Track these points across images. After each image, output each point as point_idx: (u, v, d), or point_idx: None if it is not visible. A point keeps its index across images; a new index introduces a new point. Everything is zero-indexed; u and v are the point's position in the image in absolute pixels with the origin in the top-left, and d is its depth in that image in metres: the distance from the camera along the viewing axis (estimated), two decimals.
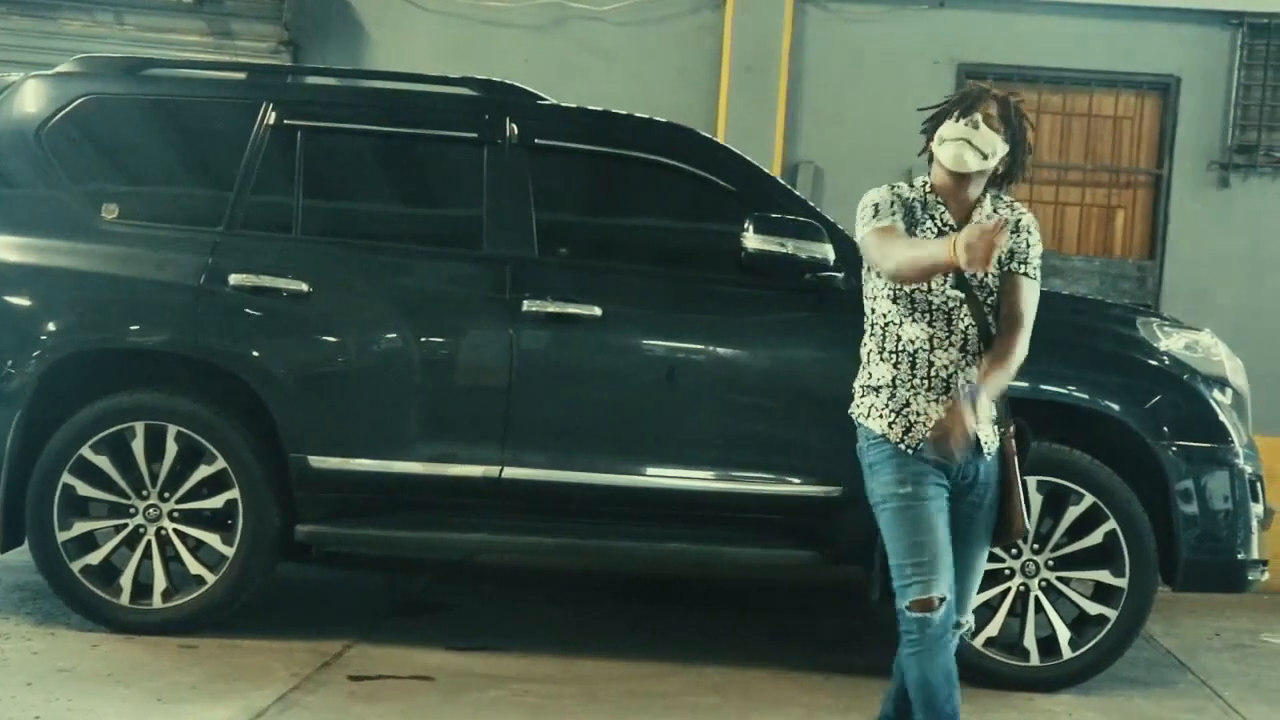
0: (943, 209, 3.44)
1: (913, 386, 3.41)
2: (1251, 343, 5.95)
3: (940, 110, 3.45)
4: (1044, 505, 4.73)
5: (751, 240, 4.72)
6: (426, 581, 6.23)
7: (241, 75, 5.49)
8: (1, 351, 4.80)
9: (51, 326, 4.86)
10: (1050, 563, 4.80)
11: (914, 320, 3.41)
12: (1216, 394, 4.93)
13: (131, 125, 5.14)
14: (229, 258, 4.86)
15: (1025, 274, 3.44)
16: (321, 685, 4.46)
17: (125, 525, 4.86)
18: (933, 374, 3.40)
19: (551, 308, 4.79)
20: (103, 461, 4.80)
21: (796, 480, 4.79)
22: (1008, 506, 3.47)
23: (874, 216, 3.42)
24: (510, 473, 4.78)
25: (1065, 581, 4.83)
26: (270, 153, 4.96)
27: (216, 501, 4.84)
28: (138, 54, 5.76)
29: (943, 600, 3.31)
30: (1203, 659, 5.62)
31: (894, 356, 3.43)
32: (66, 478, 4.78)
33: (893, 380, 3.43)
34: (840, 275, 4.73)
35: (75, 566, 4.82)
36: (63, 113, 5.02)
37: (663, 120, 5.23)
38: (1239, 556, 4.87)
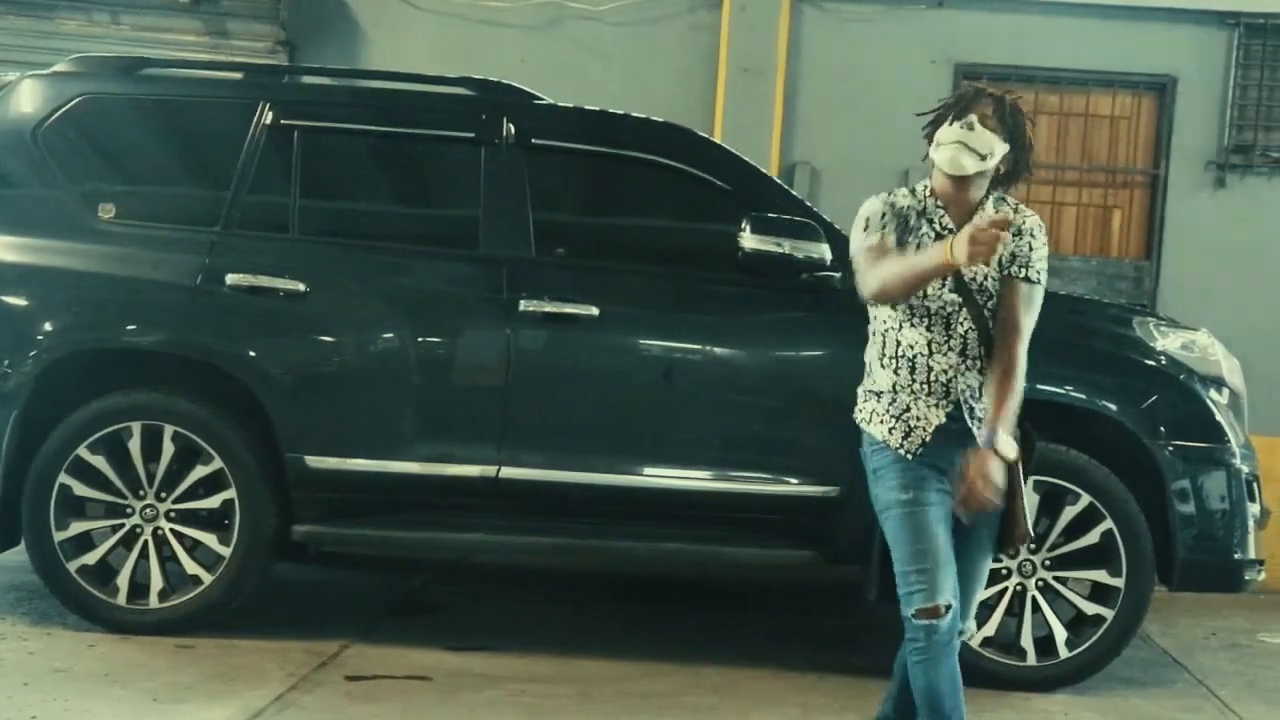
0: (943, 213, 3.41)
1: (912, 391, 3.40)
2: (1248, 342, 5.95)
3: (937, 114, 3.43)
4: (1041, 505, 4.73)
5: (748, 240, 4.72)
6: (423, 581, 6.24)
7: (238, 75, 5.47)
8: None
9: (48, 326, 4.85)
10: (1047, 562, 4.81)
11: (912, 325, 3.39)
12: (1213, 394, 4.93)
13: (128, 125, 5.14)
14: (226, 257, 4.85)
15: (1025, 278, 3.40)
16: (318, 685, 4.45)
17: (122, 525, 4.85)
18: (932, 379, 3.39)
19: (548, 308, 4.79)
20: (99, 461, 4.80)
21: (794, 480, 4.79)
22: (1011, 513, 3.42)
23: (864, 231, 3.42)
24: (507, 473, 4.78)
25: (1062, 581, 4.83)
26: (267, 152, 4.96)
27: (213, 501, 4.84)
28: (134, 54, 5.74)
29: (948, 607, 3.30)
30: (1199, 658, 5.63)
31: (894, 362, 3.42)
32: (63, 478, 4.78)
33: (893, 386, 3.42)
34: (837, 275, 4.72)
35: (72, 566, 4.82)
36: (59, 112, 5.02)
37: (660, 120, 5.23)
38: (1235, 556, 4.87)
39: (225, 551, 4.82)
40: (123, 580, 4.84)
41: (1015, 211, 3.46)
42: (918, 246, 3.38)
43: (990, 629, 4.76)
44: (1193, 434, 4.85)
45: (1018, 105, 3.42)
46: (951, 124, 3.35)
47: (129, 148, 5.19)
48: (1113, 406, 4.82)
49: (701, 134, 5.40)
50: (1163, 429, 4.83)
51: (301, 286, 4.82)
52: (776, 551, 4.87)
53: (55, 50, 6.93)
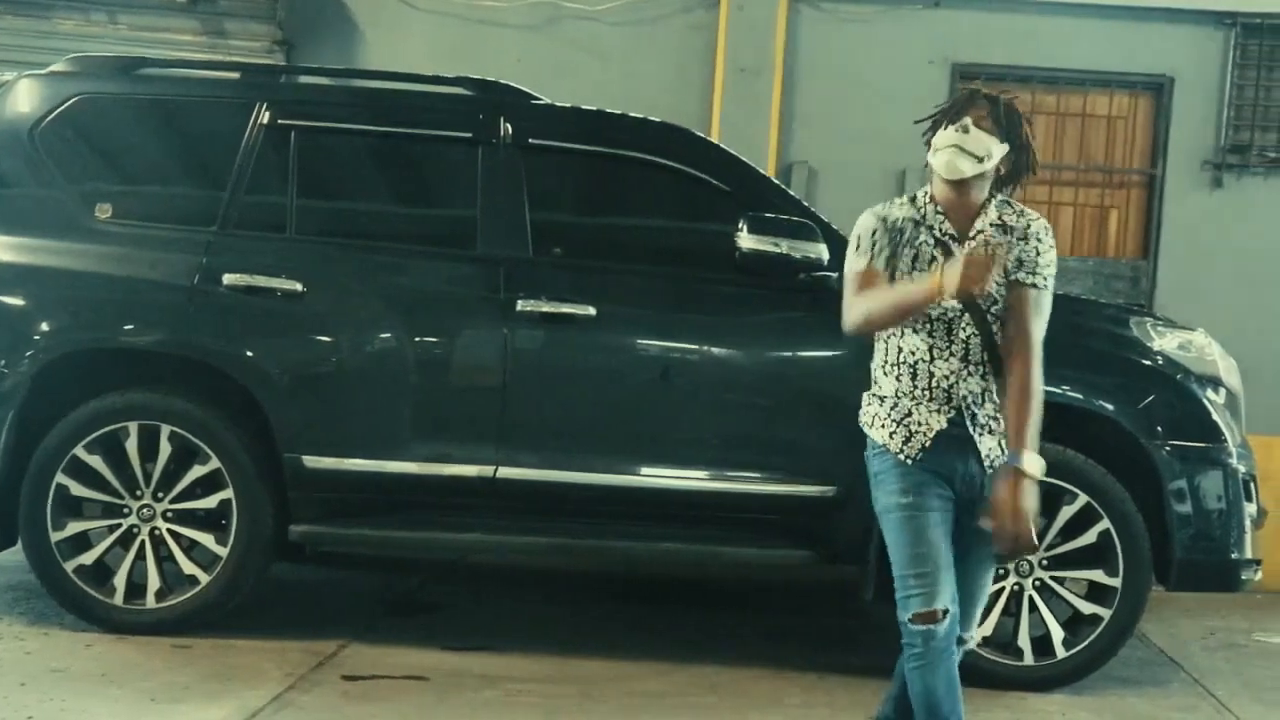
0: (943, 219, 3.37)
1: (914, 397, 3.38)
2: (1245, 342, 5.95)
3: (933, 120, 3.40)
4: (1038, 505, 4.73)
5: (746, 240, 4.72)
6: (421, 581, 6.23)
7: (235, 75, 5.46)
8: None
9: (45, 326, 4.85)
10: (1044, 562, 4.81)
11: (914, 331, 3.36)
12: (1210, 394, 4.94)
13: (125, 125, 5.13)
14: (223, 257, 4.85)
15: (1033, 284, 3.36)
16: (316, 685, 4.45)
17: (119, 525, 4.86)
18: (934, 384, 3.36)
19: (546, 307, 4.79)
20: (96, 461, 4.80)
21: (792, 480, 4.79)
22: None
23: (855, 251, 3.41)
24: (505, 472, 4.78)
25: (1059, 581, 4.84)
26: (264, 152, 4.96)
27: (210, 501, 4.84)
28: (132, 53, 5.73)
29: (946, 612, 3.28)
30: (1196, 658, 5.63)
31: (896, 368, 3.41)
32: (60, 478, 4.78)
33: (895, 391, 3.40)
34: (834, 275, 4.71)
35: (69, 566, 4.82)
36: (56, 112, 5.01)
37: (657, 120, 5.23)
38: (1232, 556, 4.88)
39: (222, 551, 4.82)
40: (120, 580, 4.84)
41: (1020, 215, 3.42)
42: (915, 257, 3.35)
43: (987, 628, 4.75)
44: (1190, 434, 4.86)
45: (1013, 105, 3.39)
46: (946, 128, 3.33)
47: (126, 147, 5.19)
48: (1110, 406, 4.83)
49: (699, 134, 5.40)
50: (1160, 429, 4.83)
51: (298, 286, 4.82)
52: (774, 551, 4.87)
53: (52, 50, 6.92)
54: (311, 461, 4.78)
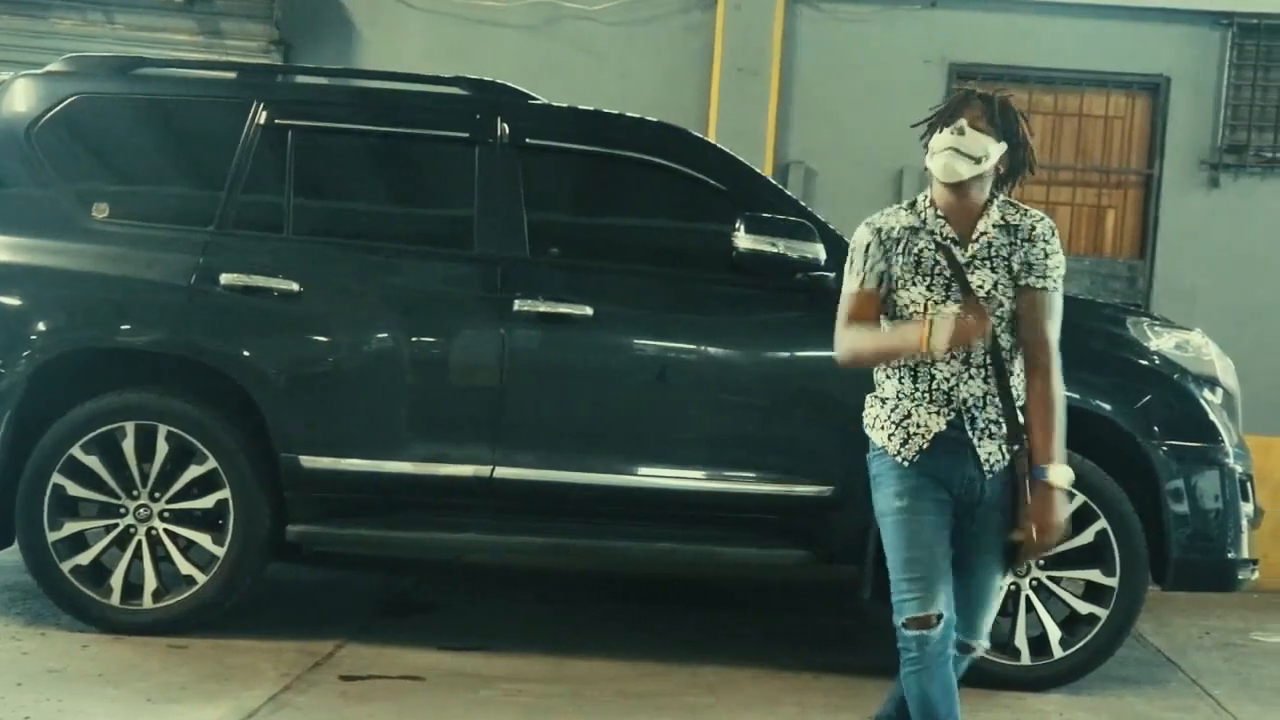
0: (944, 223, 3.34)
1: (914, 399, 3.35)
2: (1242, 342, 5.97)
3: (928, 123, 3.37)
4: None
5: (743, 240, 4.72)
6: (418, 581, 6.23)
7: (232, 75, 5.46)
8: None
9: (42, 326, 4.84)
10: (1041, 562, 4.81)
11: None
12: (1207, 393, 4.94)
13: (122, 124, 5.12)
14: (220, 257, 4.85)
15: (1043, 288, 3.33)
16: (312, 685, 4.45)
17: (116, 525, 4.85)
18: (934, 387, 3.33)
19: (543, 307, 4.79)
20: (93, 461, 4.79)
21: (788, 480, 4.79)
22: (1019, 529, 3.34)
23: (849, 270, 3.41)
24: (502, 472, 4.78)
25: (1056, 580, 4.84)
26: (261, 152, 4.95)
27: (207, 501, 4.83)
28: (129, 53, 5.73)
29: (940, 617, 3.26)
30: (1193, 658, 5.64)
31: (898, 371, 3.38)
32: (57, 478, 4.77)
33: (896, 393, 3.38)
34: (831, 275, 4.72)
35: (65, 567, 4.81)
36: (53, 112, 5.01)
37: (654, 120, 5.23)
38: (1229, 555, 4.88)
39: (219, 551, 4.81)
40: (116, 580, 4.84)
41: (1024, 214, 3.38)
42: (916, 265, 3.33)
43: None
44: (1187, 434, 4.86)
45: (1008, 103, 3.35)
46: (942, 131, 3.30)
47: (123, 147, 5.18)
48: (1107, 406, 4.83)
49: (696, 134, 5.40)
50: (1157, 428, 4.84)
51: (295, 286, 4.82)
52: (770, 551, 4.87)
53: (49, 49, 6.93)
54: (308, 461, 4.77)
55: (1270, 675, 5.43)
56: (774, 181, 5.39)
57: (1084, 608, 4.81)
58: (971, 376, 3.33)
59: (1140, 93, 8.00)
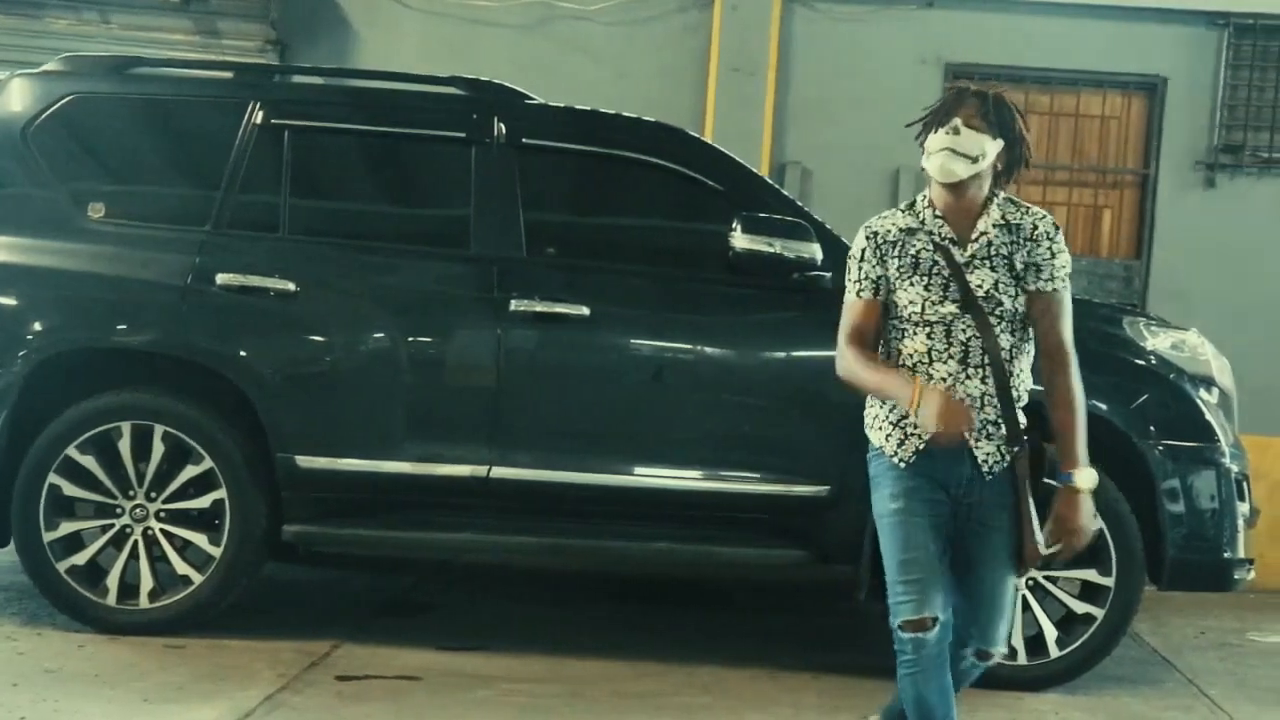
0: (942, 223, 3.33)
1: None
2: (1238, 342, 5.96)
3: (923, 123, 3.35)
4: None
5: (740, 240, 4.72)
6: (414, 581, 6.23)
7: (228, 74, 5.46)
8: None
9: (37, 326, 4.84)
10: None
11: (914, 334, 3.34)
12: (1203, 393, 4.95)
13: (118, 124, 5.12)
14: (216, 257, 4.84)
15: (1053, 289, 3.32)
16: (309, 685, 4.45)
17: (112, 525, 4.84)
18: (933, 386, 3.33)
19: (539, 307, 4.79)
20: (89, 461, 4.79)
21: (785, 480, 4.79)
22: (1019, 533, 3.34)
23: (848, 279, 3.42)
24: (498, 472, 4.77)
25: (1052, 580, 4.84)
26: (257, 152, 4.95)
27: (203, 501, 4.83)
28: (125, 53, 5.72)
29: (936, 620, 3.25)
30: (1189, 657, 5.64)
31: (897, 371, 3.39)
32: (53, 478, 4.77)
33: None
34: (828, 275, 4.73)
35: (61, 567, 4.80)
36: (49, 111, 5.00)
37: (651, 120, 5.23)
38: (1225, 555, 4.88)
39: (215, 551, 4.81)
40: (112, 580, 4.83)
41: (1025, 213, 3.38)
42: (915, 265, 3.33)
43: None
44: (1183, 433, 4.87)
45: (1002, 98, 3.33)
46: (937, 131, 3.28)
47: (119, 147, 5.18)
48: (1103, 406, 4.81)
49: (693, 134, 5.40)
50: (1153, 428, 4.84)
51: (292, 286, 4.81)
52: (767, 551, 4.87)
53: (45, 49, 6.92)
54: (305, 461, 4.77)
55: (1266, 675, 5.44)
56: (770, 181, 5.40)
57: (1080, 607, 4.81)
58: (969, 376, 3.32)
59: (1136, 93, 8.00)
